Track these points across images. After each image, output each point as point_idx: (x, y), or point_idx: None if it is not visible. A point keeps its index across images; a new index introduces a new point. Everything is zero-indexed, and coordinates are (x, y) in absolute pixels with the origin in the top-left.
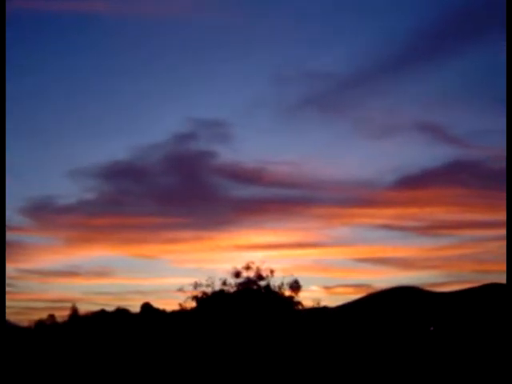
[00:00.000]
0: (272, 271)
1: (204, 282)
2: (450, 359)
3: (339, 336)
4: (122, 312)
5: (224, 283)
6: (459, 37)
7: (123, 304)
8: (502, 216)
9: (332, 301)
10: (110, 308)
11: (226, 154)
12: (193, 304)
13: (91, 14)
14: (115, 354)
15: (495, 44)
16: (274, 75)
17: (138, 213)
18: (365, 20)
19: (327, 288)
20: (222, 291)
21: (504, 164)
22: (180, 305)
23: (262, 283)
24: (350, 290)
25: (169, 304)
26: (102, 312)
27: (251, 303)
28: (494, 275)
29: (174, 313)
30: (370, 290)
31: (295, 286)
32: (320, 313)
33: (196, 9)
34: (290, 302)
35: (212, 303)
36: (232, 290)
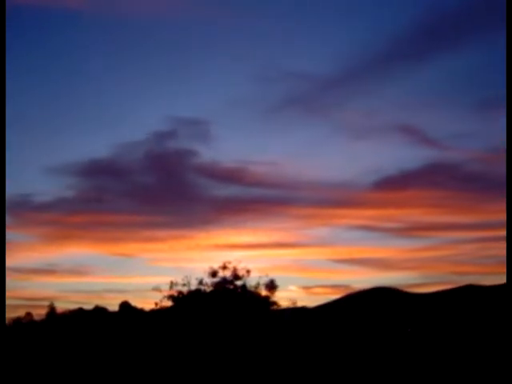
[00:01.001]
0: (248, 271)
1: (180, 281)
2: (427, 360)
3: (317, 336)
4: (100, 311)
5: (200, 283)
6: (440, 40)
7: (101, 302)
8: (479, 218)
9: (311, 301)
10: (88, 306)
11: (206, 153)
12: (169, 303)
13: (71, 11)
14: (93, 352)
15: (475, 48)
16: (255, 75)
17: (117, 211)
18: (347, 20)
19: (306, 288)
20: (198, 290)
21: (482, 166)
22: (156, 304)
23: (238, 283)
24: (329, 290)
25: (147, 303)
26: (80, 310)
27: (227, 303)
28: (470, 277)
29: (152, 312)
30: (349, 291)
31: (271, 286)
32: (297, 313)
33: (177, 8)
34: (266, 302)
35: (188, 302)
36: (208, 289)
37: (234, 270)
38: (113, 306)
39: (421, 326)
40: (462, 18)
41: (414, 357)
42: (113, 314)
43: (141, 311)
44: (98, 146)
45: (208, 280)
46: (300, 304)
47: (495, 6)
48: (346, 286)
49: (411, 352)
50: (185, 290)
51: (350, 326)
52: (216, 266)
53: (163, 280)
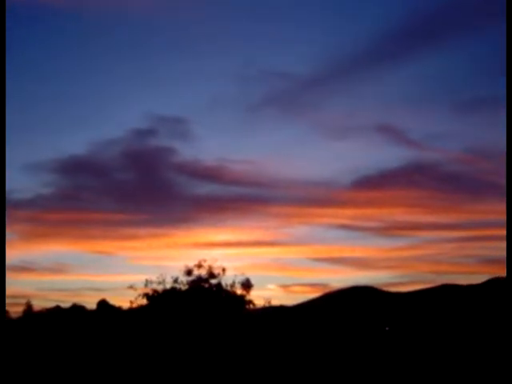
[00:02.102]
0: (224, 269)
1: (155, 279)
2: (405, 359)
3: (294, 335)
4: (77, 309)
5: (175, 281)
6: (420, 40)
7: (79, 300)
8: (457, 218)
9: (289, 300)
10: (66, 304)
11: (186, 151)
12: (143, 302)
13: (44, 6)
14: (70, 351)
15: (454, 49)
16: (235, 74)
17: (96, 208)
18: (326, 20)
19: (285, 287)
20: (173, 289)
21: (461, 167)
22: (131, 302)
23: (214, 281)
24: (307, 289)
25: (125, 301)
26: (58, 308)
27: (201, 301)
28: (449, 276)
29: (130, 310)
30: (327, 290)
31: (247, 285)
32: (275, 311)
33: (159, 6)
34: (241, 301)
35: (162, 301)
36: (183, 287)
37: (210, 268)
38: (91, 304)
39: (399, 325)
40: (441, 19)
41: (391, 355)
42: (90, 312)
43: (119, 309)
44: (76, 143)
45: (183, 278)
46: (278, 303)
47: (473, 7)
48: (324, 285)
49: (389, 350)
50: (160, 288)
51: (328, 325)
52: (192, 264)
53: (142, 278)
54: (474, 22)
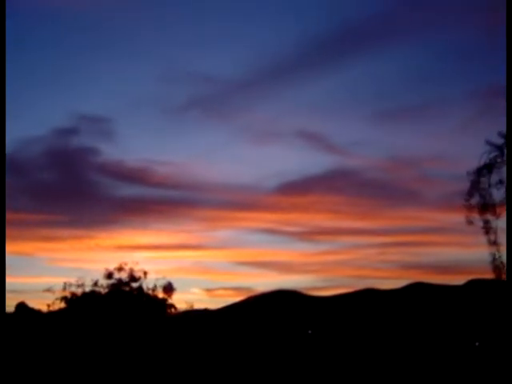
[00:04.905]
0: (145, 273)
1: (74, 282)
2: (327, 362)
3: (217, 338)
4: None
5: (95, 284)
6: (344, 48)
7: None
8: (378, 224)
9: (213, 303)
10: None
11: (109, 152)
12: (62, 305)
13: None
14: None
15: (377, 58)
16: (160, 75)
17: (15, 208)
18: (253, 25)
19: (208, 290)
20: (92, 292)
21: (381, 174)
22: (48, 306)
23: (135, 285)
24: (231, 292)
25: (44, 304)
26: None
27: (121, 305)
28: (369, 280)
29: (49, 313)
30: (251, 293)
31: (168, 289)
32: (198, 315)
33: (84, 3)
34: (163, 305)
35: (81, 305)
36: (103, 291)
37: (131, 271)
38: (9, 306)
39: (321, 329)
40: (366, 27)
41: (314, 358)
42: (8, 315)
43: (38, 312)
44: None
45: (104, 282)
46: (202, 306)
47: (398, 16)
48: (248, 289)
49: (312, 354)
50: (79, 291)
51: (251, 329)
52: (112, 267)
53: (62, 281)
54: (399, 31)
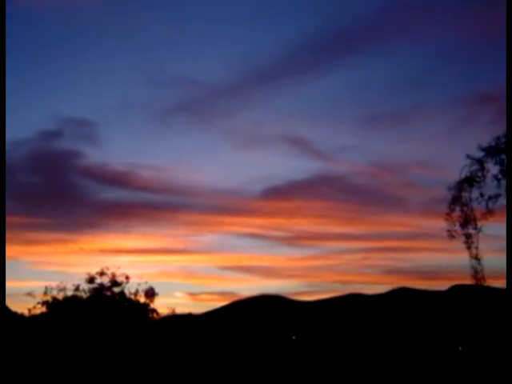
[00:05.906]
0: (127, 277)
1: (55, 286)
2: (310, 366)
3: (202, 343)
4: None
5: (77, 288)
6: (331, 55)
7: None
8: (362, 230)
9: (197, 308)
10: None
11: (94, 155)
12: (43, 309)
13: None
14: None
15: (365, 64)
16: (146, 79)
17: None
18: (239, 31)
19: (192, 295)
20: (74, 297)
21: (366, 180)
22: (29, 310)
23: (117, 289)
24: (216, 297)
25: (25, 308)
26: None
27: (102, 310)
28: (354, 285)
29: (31, 318)
30: (235, 298)
31: (150, 293)
32: (181, 320)
33: (73, 7)
34: (145, 309)
35: (62, 309)
36: (85, 295)
37: (113, 276)
38: None
39: (305, 333)
40: (353, 35)
41: (298, 362)
42: None
43: (20, 316)
44: None
45: (85, 286)
46: (186, 311)
47: (383, 23)
48: (232, 293)
49: (296, 358)
50: (60, 295)
51: (235, 334)
52: (95, 271)
53: (44, 284)
54: (385, 39)
